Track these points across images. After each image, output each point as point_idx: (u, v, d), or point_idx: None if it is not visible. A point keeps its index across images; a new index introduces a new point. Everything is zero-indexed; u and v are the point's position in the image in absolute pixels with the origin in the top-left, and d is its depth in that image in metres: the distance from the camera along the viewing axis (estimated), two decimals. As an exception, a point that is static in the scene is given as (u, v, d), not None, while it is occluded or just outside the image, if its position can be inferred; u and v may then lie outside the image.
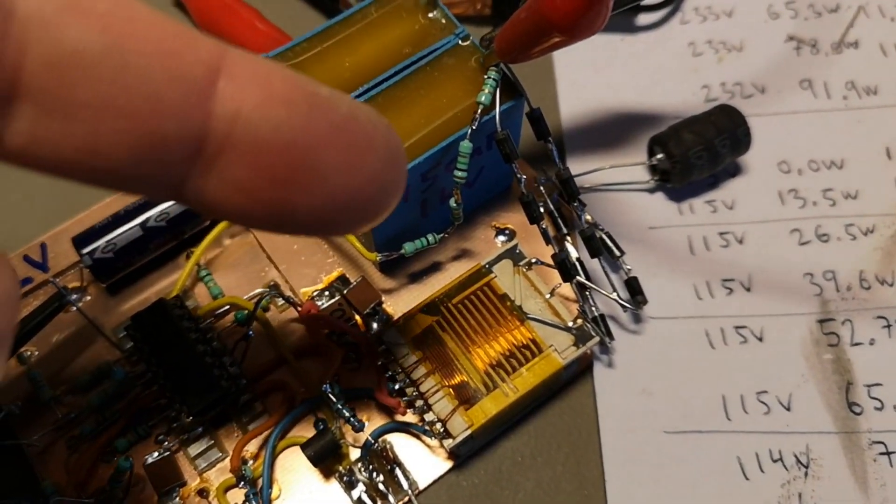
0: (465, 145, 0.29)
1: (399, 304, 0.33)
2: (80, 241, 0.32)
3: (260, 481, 0.30)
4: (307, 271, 0.34)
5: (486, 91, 0.29)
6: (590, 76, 0.38)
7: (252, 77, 0.15)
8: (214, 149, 0.15)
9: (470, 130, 0.29)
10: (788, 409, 0.32)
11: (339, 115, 0.16)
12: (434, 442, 0.31)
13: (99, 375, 0.31)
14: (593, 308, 0.32)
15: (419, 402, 0.30)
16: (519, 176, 0.30)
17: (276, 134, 0.15)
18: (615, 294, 0.32)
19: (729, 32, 0.39)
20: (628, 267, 0.33)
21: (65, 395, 0.31)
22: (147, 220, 0.32)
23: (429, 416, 0.29)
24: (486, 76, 0.30)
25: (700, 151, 0.34)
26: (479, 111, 0.29)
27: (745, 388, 0.32)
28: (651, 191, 0.36)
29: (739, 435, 0.31)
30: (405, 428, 0.31)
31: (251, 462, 0.30)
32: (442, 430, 0.29)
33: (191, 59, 0.14)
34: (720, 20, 0.40)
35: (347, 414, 0.29)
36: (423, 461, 0.31)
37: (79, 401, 0.31)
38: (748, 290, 0.34)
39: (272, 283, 0.33)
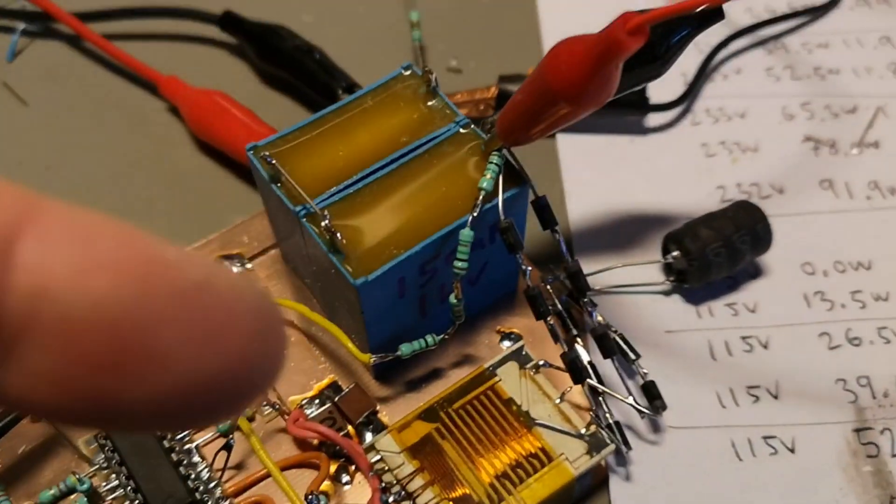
0: (466, 233, 0.27)
1: (395, 412, 0.30)
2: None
3: None
4: (296, 378, 0.31)
5: (489, 177, 0.28)
6: (598, 176, 0.37)
7: (67, 237, 0.12)
8: (12, 333, 0.11)
9: (471, 217, 0.27)
10: (828, 527, 0.28)
11: (187, 283, 0.12)
12: (433, 566, 0.27)
13: (66, 491, 0.28)
14: (607, 414, 0.29)
15: (415, 517, 0.27)
16: (524, 268, 0.28)
17: (98, 312, 0.11)
18: (631, 399, 0.29)
19: (742, 133, 0.38)
20: (644, 371, 0.30)
21: (26, 511, 0.28)
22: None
23: (426, 534, 0.26)
24: (488, 162, 0.28)
25: (718, 248, 0.31)
26: (481, 197, 0.28)
27: (776, 502, 0.29)
28: (667, 293, 0.33)
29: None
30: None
31: (227, 588, 0.27)
32: (440, 549, 0.26)
33: None
34: (733, 121, 0.38)
35: (334, 527, 0.26)
36: (419, 587, 0.27)
37: (42, 518, 0.28)
38: (776, 397, 0.31)
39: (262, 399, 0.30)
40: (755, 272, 0.34)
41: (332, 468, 0.29)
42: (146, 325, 0.12)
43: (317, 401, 0.30)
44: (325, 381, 0.31)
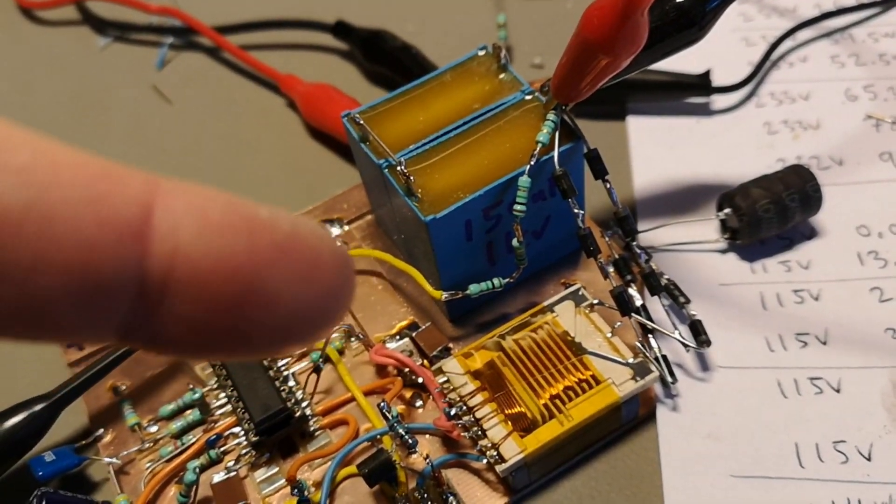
0: (524, 180, 0.30)
1: (468, 350, 0.33)
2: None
3: (319, 505, 0.29)
4: (381, 319, 0.34)
5: (545, 131, 0.30)
6: (663, 152, 0.38)
7: (186, 208, 0.14)
8: (157, 288, 0.14)
9: (528, 166, 0.30)
10: (869, 460, 0.29)
11: (281, 235, 0.15)
12: (492, 477, 0.30)
13: (183, 406, 0.32)
14: (655, 349, 0.31)
15: (474, 428, 0.29)
16: (577, 211, 0.31)
17: (219, 263, 0.14)
18: (677, 333, 0.31)
19: (805, 114, 0.39)
20: (693, 312, 0.32)
21: (150, 422, 0.32)
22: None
23: (483, 442, 0.29)
24: (545, 119, 0.31)
25: (767, 205, 0.33)
26: (538, 149, 0.30)
27: (819, 437, 0.30)
28: (722, 251, 0.35)
29: (814, 483, 0.29)
30: (462, 458, 0.30)
31: (312, 489, 0.30)
32: (495, 454, 0.28)
33: (120, 199, 0.13)
34: (796, 103, 0.40)
35: (402, 431, 0.29)
36: (480, 495, 0.30)
37: (162, 428, 0.32)
38: (824, 343, 0.32)
39: (347, 325, 0.34)
40: (810, 234, 0.35)
41: (408, 394, 0.32)
42: (256, 271, 0.14)
43: (397, 337, 0.34)
44: (405, 322, 0.34)
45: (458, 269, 0.32)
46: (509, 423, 0.29)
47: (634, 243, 0.32)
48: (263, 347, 0.15)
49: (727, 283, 0.34)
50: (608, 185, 0.31)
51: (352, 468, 0.30)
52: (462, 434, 0.29)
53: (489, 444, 0.28)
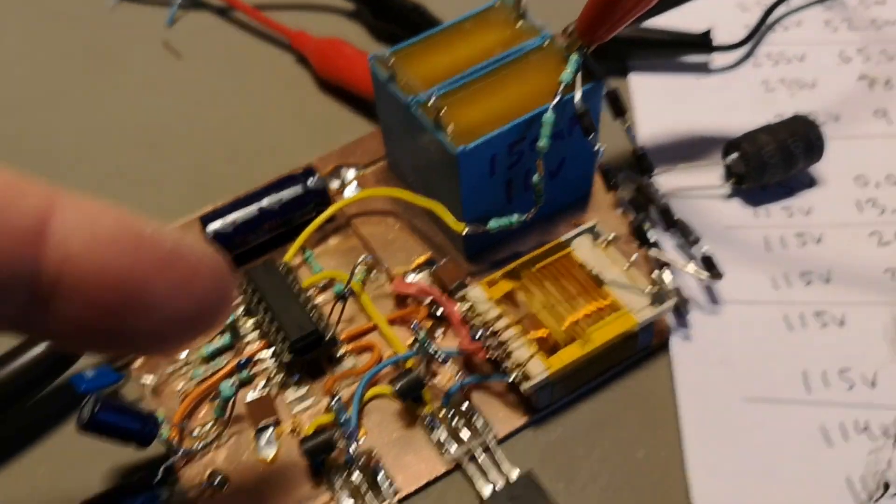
0: (548, 116, 0.31)
1: (486, 285, 0.34)
2: (206, 219, 0.35)
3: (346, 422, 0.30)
4: (399, 255, 0.35)
5: (569, 71, 0.31)
6: (667, 107, 0.40)
7: (79, 221, 0.16)
8: (48, 291, 0.16)
9: (552, 104, 0.31)
10: (873, 386, 0.30)
11: (164, 251, 0.17)
12: (512, 399, 0.31)
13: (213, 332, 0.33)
14: (669, 281, 0.32)
15: (499, 350, 0.30)
16: (597, 148, 0.32)
17: (105, 273, 0.16)
18: (691, 265, 0.32)
19: (801, 73, 0.41)
20: (705, 248, 0.33)
21: (178, 348, 0.33)
22: (263, 203, 0.35)
23: (508, 363, 0.30)
24: (568, 60, 0.32)
25: (773, 150, 0.34)
26: (562, 88, 0.31)
27: (826, 365, 0.31)
28: (727, 196, 0.36)
29: (822, 407, 0.30)
30: (486, 380, 0.31)
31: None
32: (520, 374, 0.29)
33: (19, 210, 0.15)
34: (792, 63, 0.41)
35: (432, 350, 0.30)
36: (501, 415, 0.31)
37: (193, 351, 0.33)
38: (827, 281, 0.33)
39: (369, 256, 0.34)
40: (810, 182, 0.36)
41: (428, 324, 0.33)
42: (138, 282, 0.16)
43: (416, 271, 0.34)
44: (424, 257, 0.35)
45: (479, 204, 0.33)
46: (533, 345, 0.30)
47: (650, 180, 0.33)
48: (145, 347, 0.18)
49: (732, 225, 0.35)
50: (627, 124, 0.32)
51: (378, 388, 0.31)
52: (487, 355, 0.30)
53: (514, 364, 0.29)
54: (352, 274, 0.32)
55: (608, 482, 0.29)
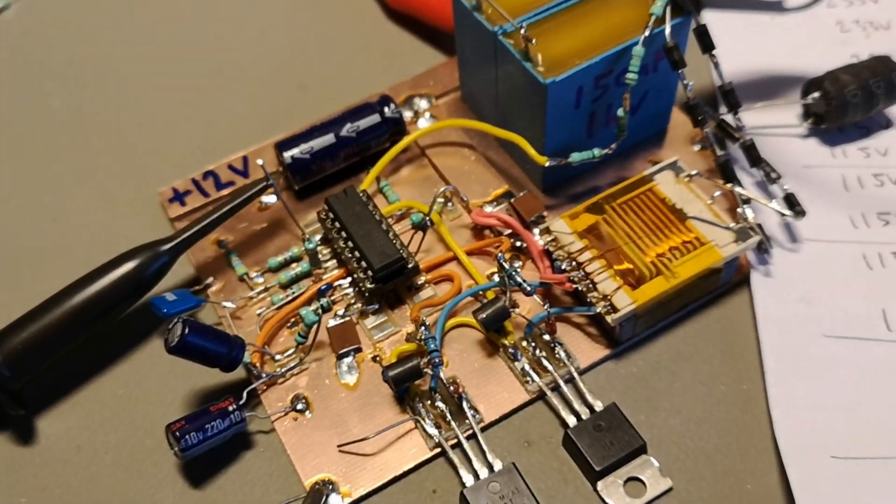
0: (638, 49, 0.30)
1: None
2: (283, 145, 0.34)
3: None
4: (475, 187, 0.34)
5: (659, 3, 0.30)
6: (741, 45, 0.39)
7: None
8: None
9: (643, 37, 0.30)
10: (951, 327, 0.30)
11: None
12: (594, 331, 0.30)
13: (290, 259, 0.33)
14: (751, 217, 0.31)
15: (585, 282, 0.29)
16: (685, 82, 0.31)
17: None
18: (774, 202, 0.31)
19: (876, 15, 0.39)
20: (786, 186, 0.32)
21: (258, 273, 0.32)
22: (340, 130, 0.34)
23: (593, 294, 0.29)
24: (659, -6, 0.31)
25: (855, 90, 0.33)
26: (652, 21, 0.30)
27: (905, 305, 0.30)
28: (804, 136, 0.35)
29: (901, 345, 0.30)
30: (569, 312, 0.30)
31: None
32: (607, 305, 0.29)
33: None
34: (866, 5, 0.40)
35: (519, 279, 0.29)
36: (583, 347, 0.30)
37: (269, 279, 0.32)
38: (905, 222, 0.33)
39: (449, 186, 0.34)
40: (887, 123, 0.36)
41: (507, 256, 0.32)
42: None
43: (494, 203, 0.34)
44: (501, 190, 0.34)
45: (561, 137, 0.32)
46: (618, 277, 0.29)
47: (737, 115, 0.32)
48: None
49: (810, 165, 0.34)
50: (715, 59, 0.31)
51: (460, 318, 0.31)
52: (572, 286, 0.30)
53: (600, 296, 0.29)
54: (433, 203, 0.32)
55: (689, 415, 0.29)
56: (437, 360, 0.28)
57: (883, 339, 0.30)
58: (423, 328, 0.29)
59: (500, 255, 0.29)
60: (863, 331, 0.30)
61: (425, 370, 0.28)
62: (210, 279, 0.32)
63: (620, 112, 0.31)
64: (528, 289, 0.29)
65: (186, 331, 0.27)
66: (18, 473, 0.29)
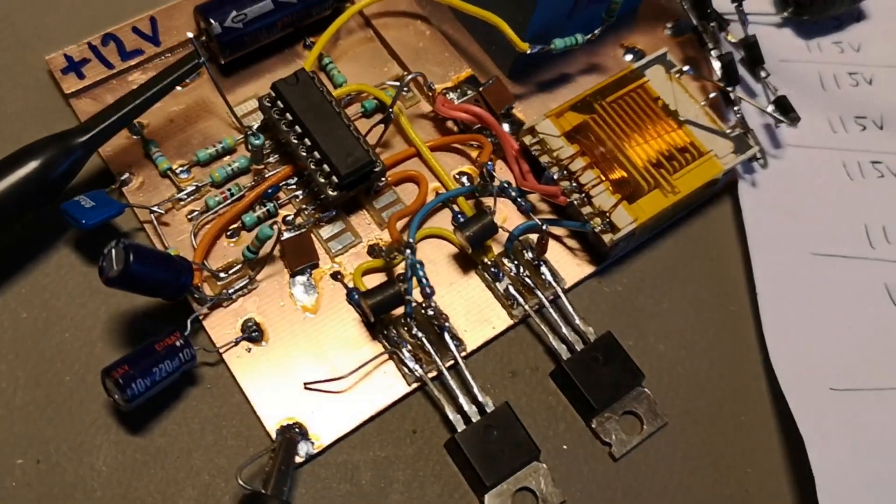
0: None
1: (529, 110, 0.29)
2: (207, 9, 0.27)
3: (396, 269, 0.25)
4: (434, 69, 0.29)
5: None
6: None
7: None
8: None
9: None
10: (928, 242, 0.29)
11: None
12: (575, 245, 0.27)
13: (221, 151, 0.27)
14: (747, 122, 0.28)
15: (578, 195, 0.26)
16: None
17: None
18: (770, 107, 0.28)
19: None
20: (775, 87, 0.29)
21: (183, 168, 0.26)
22: (277, -7, 0.27)
23: (587, 209, 0.26)
24: None
25: (846, -20, 0.30)
26: None
27: (886, 220, 0.29)
28: (778, 25, 0.32)
29: (885, 263, 0.28)
30: (559, 225, 0.27)
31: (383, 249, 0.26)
32: (605, 223, 0.25)
33: None
34: None
35: (514, 193, 0.25)
36: (564, 263, 0.27)
37: (198, 175, 0.26)
38: (881, 128, 0.31)
39: (404, 75, 0.28)
40: (858, 16, 0.33)
41: (474, 154, 0.28)
42: None
43: (457, 91, 0.29)
44: (464, 74, 0.29)
45: (546, 18, 0.27)
46: (615, 191, 0.26)
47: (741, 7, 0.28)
48: None
49: (787, 59, 0.32)
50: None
51: (429, 228, 0.26)
52: (566, 200, 0.26)
53: (596, 211, 0.25)
54: (398, 94, 0.26)
55: (679, 340, 0.26)
56: (428, 291, 0.24)
57: (868, 257, 0.28)
58: (408, 251, 0.24)
59: (488, 164, 0.25)
60: (848, 249, 0.28)
61: (407, 297, 0.24)
62: (126, 174, 0.26)
63: (615, -5, 0.27)
64: (525, 205, 0.25)
65: (131, 258, 0.21)
66: None
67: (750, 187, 0.29)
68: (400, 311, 0.24)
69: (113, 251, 0.21)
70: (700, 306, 0.27)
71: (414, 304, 0.24)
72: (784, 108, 0.29)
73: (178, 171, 0.26)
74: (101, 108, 0.26)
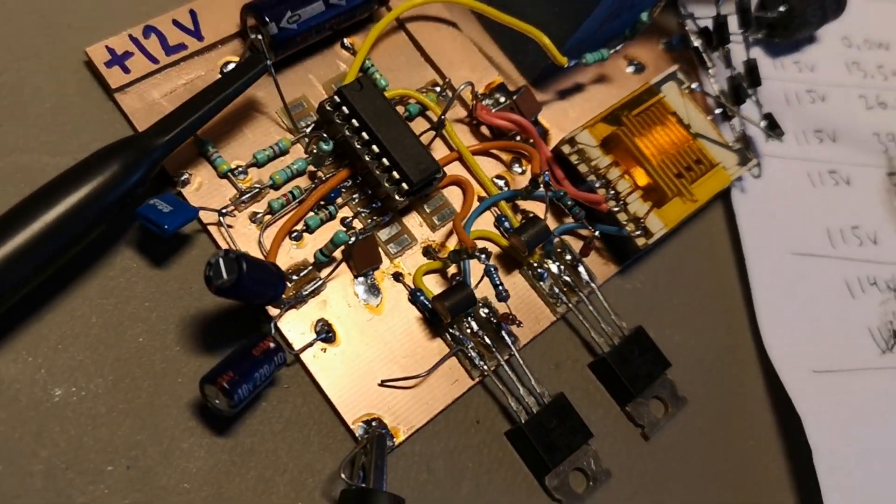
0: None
1: (553, 118, 0.31)
2: (261, 8, 0.26)
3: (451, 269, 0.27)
4: (467, 75, 0.30)
5: None
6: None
7: None
8: None
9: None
10: (875, 243, 0.33)
11: None
12: (599, 245, 0.29)
13: (279, 152, 0.26)
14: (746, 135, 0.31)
15: (613, 202, 0.28)
16: None
17: None
18: (763, 124, 0.31)
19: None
20: (761, 104, 0.32)
21: (241, 170, 0.26)
22: (327, -5, 0.27)
23: (622, 216, 0.28)
24: None
25: (816, 7, 0.33)
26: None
27: (843, 223, 0.33)
28: (750, 45, 0.35)
29: (843, 261, 0.32)
30: (588, 227, 0.28)
31: (439, 250, 0.27)
32: (640, 228, 0.27)
33: None
34: None
35: (570, 202, 0.27)
36: (594, 263, 0.29)
37: (255, 175, 0.26)
38: (834, 140, 0.34)
39: (447, 80, 0.29)
40: (810, 39, 0.36)
41: (507, 158, 0.29)
42: None
43: (491, 98, 0.30)
44: (494, 81, 0.30)
45: (584, 34, 0.29)
46: (645, 198, 0.28)
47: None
48: None
49: (763, 76, 0.35)
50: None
51: (483, 231, 0.27)
52: (607, 207, 0.28)
53: (631, 217, 0.27)
54: (450, 102, 0.27)
55: (690, 331, 0.29)
56: (504, 294, 0.25)
57: (831, 255, 0.32)
58: (482, 255, 0.25)
59: (545, 173, 0.26)
60: (817, 248, 0.32)
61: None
62: (186, 175, 0.25)
63: (644, 16, 0.28)
64: (579, 213, 0.27)
65: (244, 268, 0.21)
66: (-23, 432, 0.22)
67: (741, 193, 0.31)
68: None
69: (221, 260, 0.21)
70: (703, 301, 0.30)
71: (481, 306, 0.25)
72: (772, 124, 0.32)
73: (237, 173, 0.26)
74: (148, 105, 0.25)
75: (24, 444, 0.22)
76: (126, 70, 0.26)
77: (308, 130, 0.27)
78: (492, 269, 0.25)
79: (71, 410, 0.23)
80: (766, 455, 0.28)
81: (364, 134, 0.26)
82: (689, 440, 0.27)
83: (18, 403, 0.22)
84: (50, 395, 0.23)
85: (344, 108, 0.26)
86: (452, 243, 0.27)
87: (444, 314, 0.25)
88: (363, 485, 0.22)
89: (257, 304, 0.23)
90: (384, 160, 0.25)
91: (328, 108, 0.26)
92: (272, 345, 0.23)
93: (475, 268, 0.26)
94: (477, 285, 0.25)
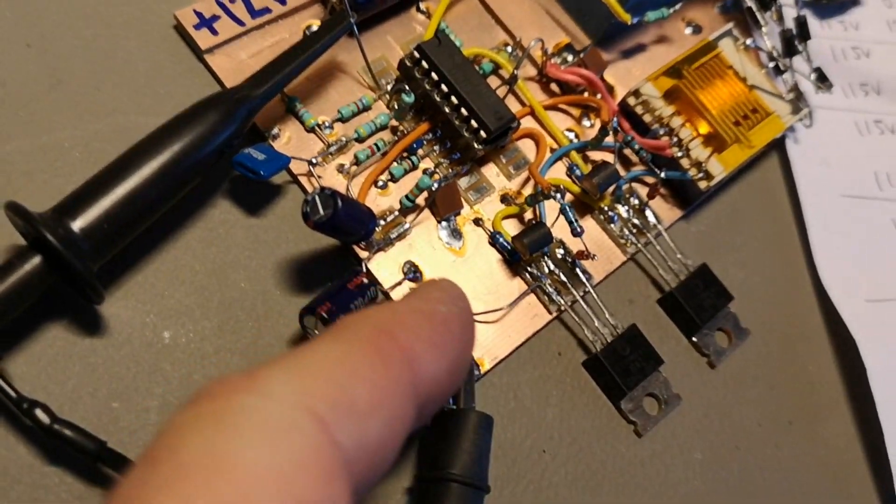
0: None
1: (617, 76, 0.30)
2: (337, -27, 0.27)
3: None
4: (534, 34, 0.30)
5: None
6: None
7: (437, 362, 0.16)
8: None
9: None
10: (920, 187, 0.32)
11: (461, 325, 0.18)
12: (664, 191, 0.29)
13: (362, 108, 0.27)
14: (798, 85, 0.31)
15: (676, 148, 0.27)
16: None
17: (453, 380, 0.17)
18: (813, 77, 0.31)
19: None
20: (810, 59, 0.32)
21: (327, 124, 0.26)
22: (406, -39, 0.27)
23: (684, 161, 0.27)
24: None
25: (860, -32, 0.33)
26: None
27: (889, 168, 0.32)
28: (801, 7, 0.35)
29: (890, 202, 0.31)
30: (654, 172, 0.28)
31: (516, 197, 0.27)
32: (701, 172, 0.27)
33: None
34: None
35: (636, 146, 0.26)
36: (660, 208, 0.29)
37: (340, 130, 0.26)
38: (878, 93, 0.34)
39: (517, 40, 0.29)
40: (855, 1, 0.36)
41: (576, 112, 0.29)
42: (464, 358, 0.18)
43: (559, 56, 0.30)
44: (563, 41, 0.30)
45: (643, -7, 0.29)
46: (706, 144, 0.28)
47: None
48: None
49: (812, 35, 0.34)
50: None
51: (551, 179, 0.27)
52: (671, 153, 0.28)
53: (693, 162, 0.27)
54: (521, 58, 0.27)
55: (752, 268, 0.29)
56: (578, 230, 0.25)
57: (877, 196, 0.31)
58: (559, 194, 0.25)
59: (614, 121, 0.26)
60: (863, 190, 0.31)
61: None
62: (276, 129, 0.26)
63: (702, -25, 0.28)
64: (646, 157, 0.26)
65: (339, 204, 0.21)
66: (103, 372, 0.22)
67: (794, 143, 0.31)
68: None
69: (318, 197, 0.21)
70: (763, 240, 0.29)
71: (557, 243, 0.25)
72: (821, 76, 0.31)
73: (323, 127, 0.26)
74: (236, 65, 0.26)
75: (139, 382, 0.22)
76: (214, 32, 0.26)
77: (389, 88, 0.27)
78: (567, 206, 0.25)
79: (181, 351, 0.23)
80: (826, 379, 0.28)
81: (443, 87, 0.26)
82: (753, 367, 0.27)
83: (131, 345, 0.23)
84: (160, 338, 0.23)
85: (423, 64, 0.26)
86: (528, 191, 0.27)
87: (523, 251, 0.25)
88: (454, 406, 0.22)
89: (351, 242, 0.23)
90: (463, 110, 0.26)
91: (408, 63, 0.26)
92: (366, 280, 0.23)
93: (550, 211, 0.26)
94: (552, 224, 0.25)
